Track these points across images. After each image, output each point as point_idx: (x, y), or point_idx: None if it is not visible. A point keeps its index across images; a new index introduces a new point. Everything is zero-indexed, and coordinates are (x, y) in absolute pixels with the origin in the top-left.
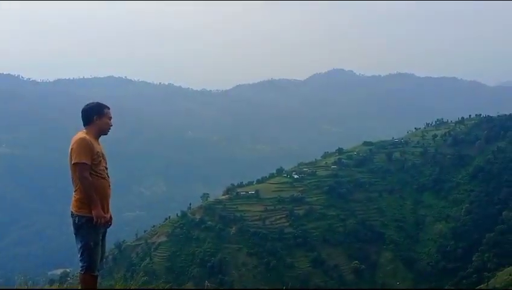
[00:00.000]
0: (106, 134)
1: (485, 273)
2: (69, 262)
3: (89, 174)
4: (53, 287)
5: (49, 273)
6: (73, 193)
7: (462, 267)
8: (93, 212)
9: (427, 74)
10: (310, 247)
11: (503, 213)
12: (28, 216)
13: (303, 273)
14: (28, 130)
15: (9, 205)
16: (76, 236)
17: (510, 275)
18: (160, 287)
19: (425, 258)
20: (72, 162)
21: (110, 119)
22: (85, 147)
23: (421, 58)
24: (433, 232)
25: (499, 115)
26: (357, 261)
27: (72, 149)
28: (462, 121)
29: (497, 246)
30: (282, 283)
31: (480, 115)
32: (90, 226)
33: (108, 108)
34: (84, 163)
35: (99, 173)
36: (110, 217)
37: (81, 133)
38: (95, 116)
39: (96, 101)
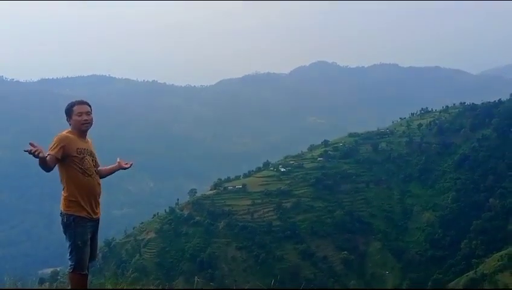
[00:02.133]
0: (85, 129)
1: (473, 260)
2: (59, 261)
3: (51, 164)
4: (43, 288)
5: (39, 272)
6: (62, 192)
7: (451, 255)
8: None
9: (410, 64)
10: (299, 239)
11: (490, 200)
12: (15, 216)
13: (292, 266)
14: (13, 131)
15: None
16: (65, 235)
17: (498, 261)
18: (151, 286)
19: (414, 247)
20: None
21: (80, 115)
22: (56, 140)
23: (403, 49)
24: (421, 221)
25: (483, 103)
26: (346, 252)
27: None
28: (446, 109)
29: (485, 233)
30: (272, 275)
31: (465, 103)
32: (78, 224)
33: (82, 103)
34: (49, 154)
35: (86, 171)
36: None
37: (64, 131)
38: (67, 117)
39: (74, 100)
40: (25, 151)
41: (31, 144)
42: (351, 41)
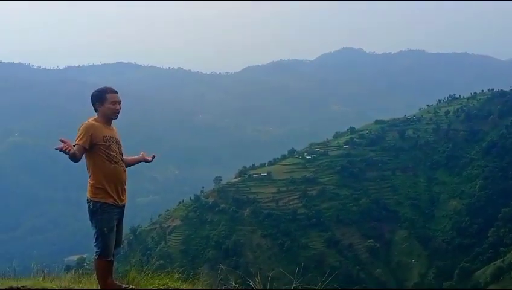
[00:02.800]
0: (114, 118)
1: (501, 248)
2: (85, 248)
3: (80, 155)
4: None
5: (66, 259)
6: (88, 179)
7: (478, 243)
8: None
9: (438, 50)
10: (324, 227)
11: None
12: (42, 204)
13: (317, 254)
14: (40, 119)
15: (23, 194)
16: (91, 221)
17: None
18: (175, 275)
19: (441, 235)
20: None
21: (114, 104)
22: (83, 130)
23: (431, 35)
24: (448, 209)
25: (511, 89)
26: (371, 240)
27: None
28: (474, 96)
29: None
30: (297, 263)
31: (493, 89)
32: (105, 211)
33: (114, 92)
34: (76, 144)
35: (112, 159)
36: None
37: (90, 119)
38: (97, 103)
39: (102, 87)
40: (55, 149)
41: (62, 141)
42: (378, 27)
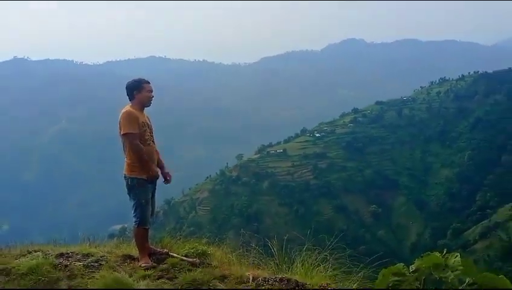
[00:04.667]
0: (149, 106)
1: (487, 210)
2: (126, 218)
3: (139, 142)
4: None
5: (110, 228)
6: (125, 159)
7: (467, 206)
8: (150, 172)
9: (430, 39)
10: (333, 196)
11: (502, 157)
12: (87, 182)
13: (328, 219)
14: (83, 108)
15: (70, 173)
16: (129, 195)
17: (509, 210)
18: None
19: (434, 200)
20: (122, 133)
21: (149, 92)
22: (130, 119)
23: (424, 25)
24: (440, 177)
25: (494, 71)
26: (374, 206)
27: (120, 122)
28: (462, 78)
29: (498, 186)
30: (310, 227)
31: (478, 72)
32: (141, 185)
33: (148, 82)
34: (131, 133)
35: (146, 141)
36: (167, 174)
37: (127, 107)
38: (135, 91)
39: (137, 78)
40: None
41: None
42: (376, 19)
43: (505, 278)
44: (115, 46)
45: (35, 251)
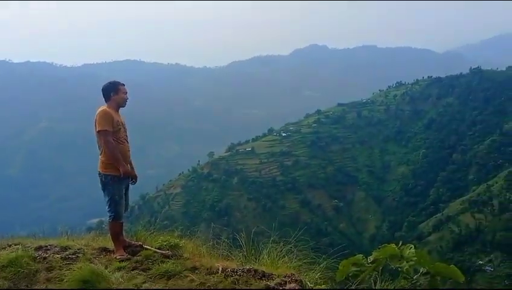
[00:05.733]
0: (124, 106)
1: (440, 204)
2: (104, 213)
3: (112, 139)
4: None
5: (88, 222)
6: (99, 156)
7: (421, 201)
8: (120, 169)
9: (387, 45)
10: (298, 191)
11: (453, 155)
12: (68, 177)
13: (293, 212)
14: (63, 108)
15: (51, 169)
16: (103, 191)
17: (460, 205)
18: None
19: (391, 195)
20: (97, 130)
21: (125, 94)
22: (105, 117)
23: (381, 32)
24: (397, 174)
25: (446, 76)
26: (336, 200)
27: (96, 120)
28: (417, 82)
29: (449, 182)
30: (277, 220)
31: (432, 76)
32: (115, 182)
33: (123, 84)
34: (106, 130)
35: (120, 140)
36: (135, 175)
37: (103, 107)
38: (112, 92)
39: (113, 80)
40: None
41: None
42: (338, 25)
43: (455, 267)
44: (92, 49)
45: (15, 244)
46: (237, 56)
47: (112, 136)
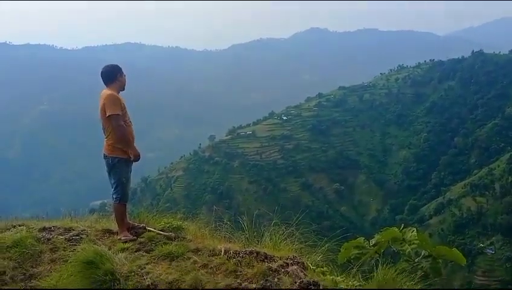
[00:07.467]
0: (124, 90)
1: (441, 188)
2: (106, 194)
3: (123, 123)
4: None
5: (90, 204)
6: (105, 139)
7: (423, 184)
8: (131, 152)
9: (389, 29)
10: (299, 174)
11: (455, 139)
12: (69, 160)
13: (294, 195)
14: (64, 90)
15: (53, 152)
16: (109, 174)
17: (462, 188)
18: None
19: (393, 179)
20: (108, 114)
21: (125, 76)
22: (115, 101)
23: (383, 15)
24: (399, 157)
25: (448, 60)
26: (337, 184)
27: (104, 104)
28: (418, 65)
29: (451, 165)
30: (278, 203)
31: (434, 60)
32: (122, 165)
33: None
34: (117, 114)
35: (127, 122)
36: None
37: (108, 90)
38: (118, 74)
39: (113, 64)
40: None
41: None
42: (339, 8)
43: (458, 250)
44: (92, 32)
45: (19, 225)
46: (237, 39)
47: (122, 119)
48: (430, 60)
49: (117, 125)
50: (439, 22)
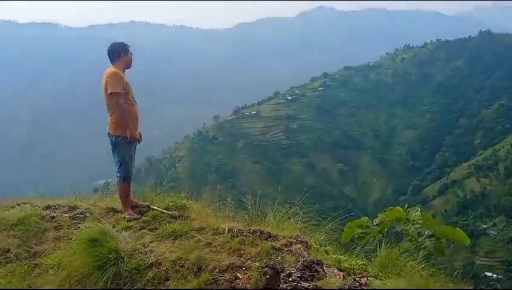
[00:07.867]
0: (130, 68)
1: (445, 169)
2: (110, 174)
3: (123, 102)
4: None
5: (95, 183)
6: (109, 117)
7: (427, 165)
8: (127, 132)
9: (396, 8)
10: (303, 154)
11: (460, 120)
12: (74, 139)
13: (298, 176)
14: (69, 69)
15: (57, 130)
16: (113, 152)
17: (466, 169)
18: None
19: (397, 159)
20: (108, 92)
21: (131, 55)
22: (118, 79)
23: None
24: (403, 138)
25: (455, 39)
26: (341, 164)
27: (107, 81)
28: (425, 45)
29: (455, 146)
30: (282, 184)
31: (440, 39)
32: (125, 143)
33: (129, 46)
34: (118, 92)
35: (130, 101)
36: (140, 135)
37: (112, 68)
38: (122, 52)
39: (120, 42)
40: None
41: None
42: None
43: (461, 230)
44: (97, 11)
45: (24, 203)
46: (243, 18)
47: (123, 98)
48: (437, 39)
49: (116, 103)
50: (448, 1)
